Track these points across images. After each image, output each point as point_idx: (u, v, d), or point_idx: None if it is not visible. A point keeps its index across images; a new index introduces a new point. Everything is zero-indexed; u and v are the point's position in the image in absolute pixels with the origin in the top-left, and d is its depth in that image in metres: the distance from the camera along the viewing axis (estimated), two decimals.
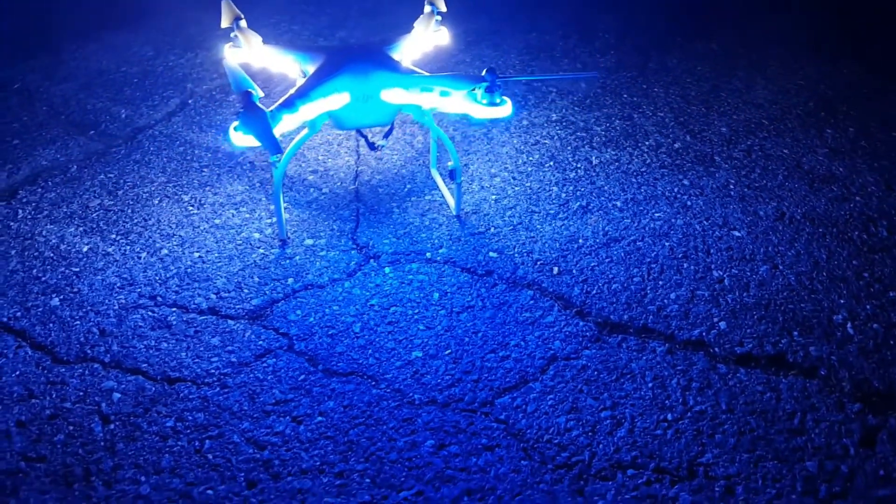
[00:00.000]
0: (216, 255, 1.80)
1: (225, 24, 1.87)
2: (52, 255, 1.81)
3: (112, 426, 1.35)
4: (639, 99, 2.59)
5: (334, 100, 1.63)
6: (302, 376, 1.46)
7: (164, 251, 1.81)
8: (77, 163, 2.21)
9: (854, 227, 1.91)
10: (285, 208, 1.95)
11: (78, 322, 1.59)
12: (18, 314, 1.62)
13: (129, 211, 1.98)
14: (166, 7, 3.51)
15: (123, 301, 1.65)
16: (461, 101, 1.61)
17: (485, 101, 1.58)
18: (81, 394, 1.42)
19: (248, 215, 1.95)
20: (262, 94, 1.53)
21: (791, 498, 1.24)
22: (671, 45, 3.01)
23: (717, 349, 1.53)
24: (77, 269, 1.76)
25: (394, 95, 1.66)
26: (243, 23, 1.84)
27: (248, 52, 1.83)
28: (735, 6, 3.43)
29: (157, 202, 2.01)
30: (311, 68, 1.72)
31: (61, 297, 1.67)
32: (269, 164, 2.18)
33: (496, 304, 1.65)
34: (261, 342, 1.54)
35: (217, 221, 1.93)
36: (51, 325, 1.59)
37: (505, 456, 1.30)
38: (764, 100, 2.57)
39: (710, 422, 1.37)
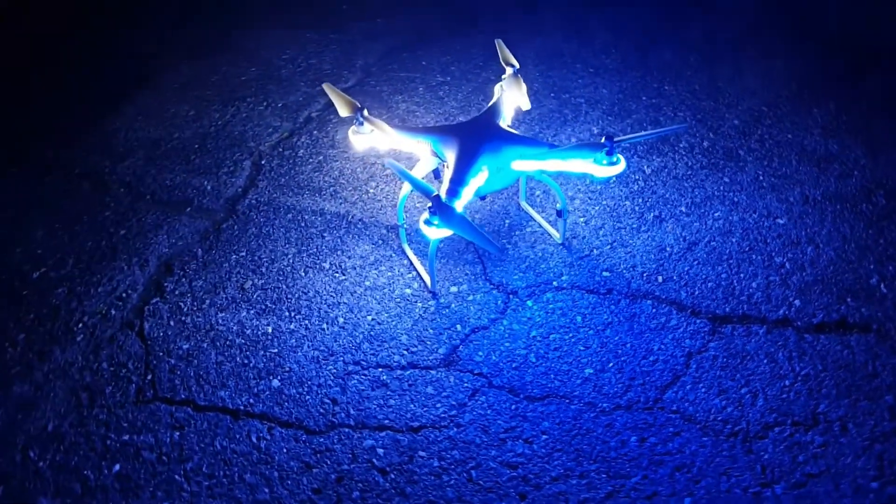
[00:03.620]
0: (385, 315, 2.16)
1: (345, 113, 2.17)
2: (243, 341, 2.12)
3: (391, 476, 1.74)
4: (656, 100, 3.03)
5: (480, 178, 1.99)
6: (513, 406, 1.88)
7: (341, 319, 2.16)
8: (198, 245, 2.47)
9: (860, 199, 2.45)
10: (414, 260, 2.31)
11: (308, 396, 1.94)
12: (251, 401, 1.95)
13: (285, 287, 2.29)
14: (170, 59, 3.64)
15: (335, 371, 2.00)
16: (582, 164, 2.00)
17: (605, 163, 1.97)
18: (350, 455, 1.79)
19: (389, 273, 2.30)
20: (435, 191, 1.87)
21: (884, 425, 1.78)
22: (662, 38, 3.45)
23: (799, 323, 2.04)
24: (276, 350, 2.08)
25: (525, 165, 2.03)
26: (366, 112, 2.14)
27: (377, 137, 2.13)
28: None
29: (303, 274, 2.33)
30: (446, 149, 2.05)
31: (279, 377, 2.00)
32: (377, 220, 2.51)
33: (627, 316, 2.10)
34: (466, 384, 1.94)
35: (367, 283, 2.27)
36: (285, 404, 1.93)
37: (690, 437, 1.77)
38: (756, 86, 3.07)
39: (815, 380, 1.89)
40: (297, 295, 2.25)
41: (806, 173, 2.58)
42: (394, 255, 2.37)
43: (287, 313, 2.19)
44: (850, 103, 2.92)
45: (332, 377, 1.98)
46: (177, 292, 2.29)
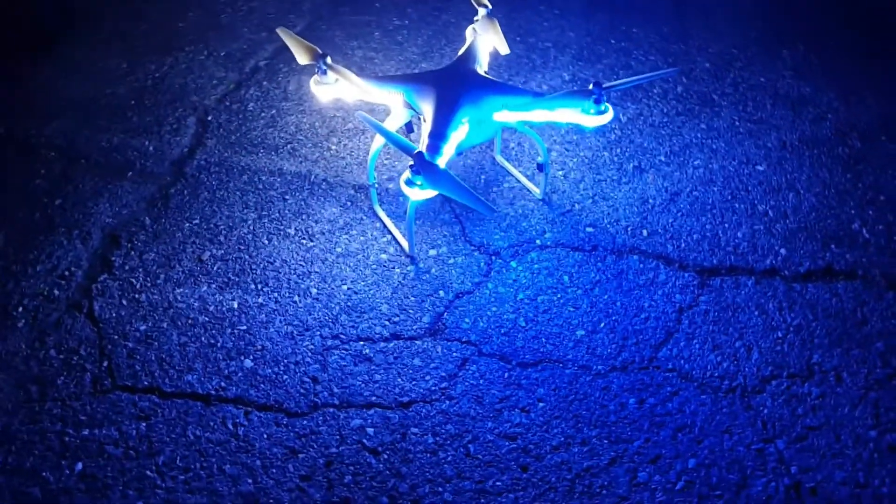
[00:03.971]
0: (362, 283, 2.02)
1: (305, 61, 1.96)
2: (206, 318, 1.94)
3: (384, 456, 1.64)
4: (625, 43, 2.91)
5: (461, 131, 1.84)
6: (505, 374, 1.79)
7: (313, 290, 2.00)
8: (145, 213, 2.25)
9: (836, 143, 2.42)
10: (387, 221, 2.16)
11: (286, 376, 1.80)
12: (222, 384, 1.80)
13: (247, 257, 2.11)
14: (93, 5, 3.29)
15: (312, 346, 1.86)
16: (570, 114, 1.87)
17: (593, 112, 1.85)
18: (337, 437, 1.68)
19: (362, 238, 2.15)
20: (419, 147, 1.72)
21: (876, 372, 1.78)
22: None
23: (786, 272, 2.01)
24: (244, 327, 1.92)
25: (508, 116, 1.89)
26: (329, 59, 1.93)
27: (342, 87, 1.94)
28: None
29: (266, 241, 2.15)
30: (421, 100, 1.88)
31: (251, 357, 1.85)
32: (342, 180, 2.33)
33: (615, 273, 2.02)
34: (454, 354, 1.84)
35: (339, 250, 2.11)
36: (261, 386, 1.79)
37: (688, 396, 1.73)
38: (725, 28, 2.98)
39: (806, 331, 1.87)
40: (262, 265, 2.08)
41: (781, 118, 2.53)
42: (365, 217, 2.21)
43: (253, 286, 2.02)
44: (819, 45, 2.87)
45: (309, 354, 1.85)
46: (126, 267, 2.08)
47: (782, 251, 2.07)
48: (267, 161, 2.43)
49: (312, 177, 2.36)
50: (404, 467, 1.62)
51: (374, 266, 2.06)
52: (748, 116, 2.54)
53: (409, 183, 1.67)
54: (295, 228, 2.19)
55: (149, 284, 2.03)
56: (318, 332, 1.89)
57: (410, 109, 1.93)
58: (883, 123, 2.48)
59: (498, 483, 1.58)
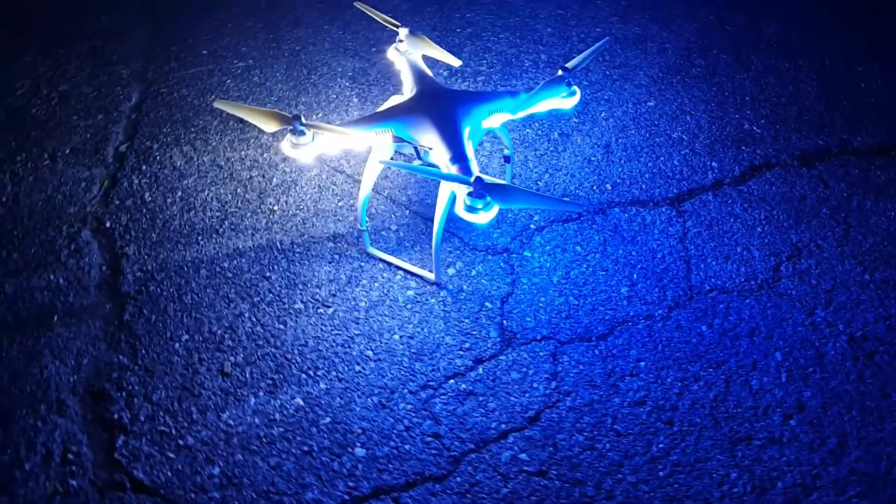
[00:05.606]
0: (411, 326, 1.93)
1: (273, 128, 1.80)
2: (281, 429, 1.73)
3: (553, 472, 1.65)
4: (473, 28, 3.07)
5: (469, 146, 1.85)
6: (595, 351, 1.88)
7: (369, 353, 1.87)
8: (113, 352, 1.88)
9: (686, 66, 2.86)
10: (376, 249, 2.09)
11: (406, 446, 1.69)
12: (350, 484, 1.63)
13: (274, 349, 1.89)
14: None
15: (410, 406, 1.76)
16: (550, 102, 1.98)
17: (565, 95, 1.97)
18: (499, 477, 1.64)
19: (376, 283, 2.04)
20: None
21: (837, 231, 2.21)
22: None
23: (728, 180, 2.37)
24: (328, 420, 1.74)
25: (495, 121, 1.94)
26: (303, 118, 1.80)
27: (324, 142, 1.81)
28: None
29: (283, 326, 1.95)
30: (415, 131, 1.83)
31: (357, 444, 1.70)
32: (310, 237, 2.17)
33: (611, 230, 2.20)
34: (541, 353, 1.87)
35: (363, 304, 1.99)
36: (389, 467, 1.66)
37: (738, 305, 1.99)
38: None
39: (774, 220, 2.24)
40: (296, 351, 1.88)
41: (635, 57, 2.90)
42: (363, 263, 2.10)
43: (304, 375, 1.83)
44: None
45: (412, 414, 1.75)
46: (141, 418, 1.75)
47: (714, 164, 2.42)
48: (215, 246, 2.16)
49: (277, 245, 2.16)
50: (577, 473, 1.64)
51: (409, 305, 1.99)
52: (611, 64, 2.87)
53: (471, 209, 1.65)
54: (301, 302, 2.00)
55: (185, 425, 1.72)
56: (406, 389, 1.80)
57: (400, 143, 1.87)
58: (706, 39, 2.98)
59: (659, 446, 1.69)
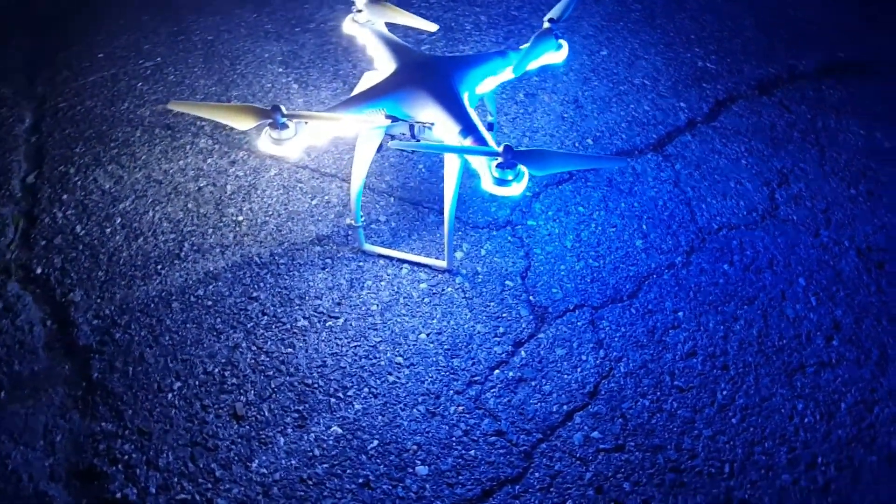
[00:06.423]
0: (436, 322, 1.76)
1: (249, 125, 1.55)
2: (325, 465, 1.51)
3: (630, 444, 1.55)
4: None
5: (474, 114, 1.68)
6: (630, 311, 1.79)
7: (399, 360, 1.68)
8: (88, 418, 1.58)
9: (623, 11, 2.82)
10: (372, 242, 1.90)
11: (472, 451, 1.53)
12: None
13: (288, 377, 1.65)
14: None
15: (462, 408, 1.60)
16: (544, 57, 1.83)
17: (555, 49, 1.84)
18: (579, 462, 1.52)
19: (383, 282, 1.84)
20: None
21: (812, 153, 2.25)
22: None
23: (699, 118, 2.35)
24: (376, 443, 1.55)
25: (490, 84, 1.78)
26: (284, 108, 1.55)
27: (311, 133, 1.58)
28: None
29: (291, 349, 1.71)
30: (412, 107, 1.64)
31: (418, 462, 1.51)
32: (293, 244, 1.93)
33: (607, 184, 2.12)
34: (579, 323, 1.76)
35: (375, 308, 1.79)
36: (459, 478, 1.49)
37: (749, 238, 1.97)
38: None
39: (755, 150, 2.24)
40: (315, 375, 1.66)
41: (574, 8, 2.82)
42: (363, 263, 1.89)
43: (333, 400, 1.61)
44: None
45: (467, 415, 1.58)
46: (152, 489, 1.46)
47: (682, 105, 2.39)
48: (181, 274, 1.86)
49: (256, 260, 1.90)
50: (654, 439, 1.55)
51: (426, 300, 1.80)
52: None
53: (502, 182, 1.49)
54: (304, 318, 1.77)
55: (209, 486, 1.46)
56: (451, 391, 1.62)
57: (394, 122, 1.66)
58: None
59: (723, 393, 1.63)
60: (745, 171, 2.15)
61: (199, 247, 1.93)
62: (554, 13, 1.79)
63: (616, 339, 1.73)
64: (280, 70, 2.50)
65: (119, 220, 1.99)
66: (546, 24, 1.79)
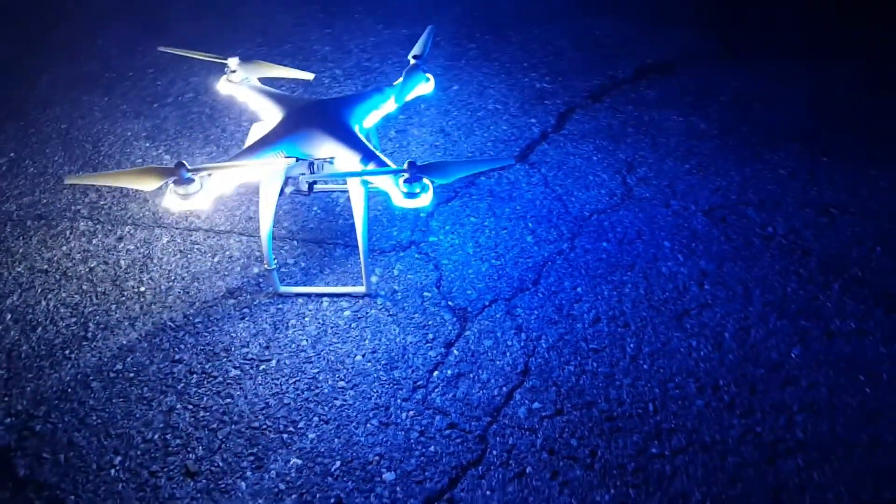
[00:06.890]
0: (368, 343, 1.83)
1: (153, 186, 1.58)
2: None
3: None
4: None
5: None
6: (535, 298, 1.99)
7: (348, 393, 1.74)
8: None
9: None
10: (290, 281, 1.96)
11: (454, 443, 1.61)
12: None
13: (233, 426, 1.65)
14: None
15: (412, 413, 1.68)
16: (419, 89, 2.00)
17: (425, 81, 2.03)
18: (529, 432, 1.66)
19: (306, 319, 1.90)
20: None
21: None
22: None
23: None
24: (338, 490, 1.59)
25: (374, 118, 1.93)
26: (187, 164, 1.61)
27: (216, 184, 1.64)
28: None
29: (230, 400, 1.70)
30: (310, 146, 1.74)
31: (387, 474, 1.57)
32: (204, 301, 1.94)
33: (488, 195, 2.34)
34: (499, 315, 1.92)
35: (304, 343, 1.84)
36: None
37: (628, 214, 2.26)
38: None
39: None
40: (261, 417, 1.67)
41: None
42: (282, 305, 1.93)
43: (285, 435, 1.63)
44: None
45: (417, 418, 1.67)
46: None
47: (533, 120, 2.70)
48: (93, 354, 1.80)
49: (169, 325, 1.88)
50: (586, 397, 1.72)
51: (353, 325, 1.88)
52: (401, 64, 3.01)
53: (411, 195, 1.63)
54: (236, 367, 1.77)
55: None
56: (399, 399, 1.70)
57: (297, 160, 1.76)
58: (465, 27, 3.29)
59: (630, 346, 1.85)
60: (598, 165, 2.47)
61: (106, 324, 1.87)
62: (416, 50, 2.00)
63: (532, 322, 1.90)
64: (147, 144, 2.50)
65: (9, 315, 1.89)
66: (412, 61, 1.99)
